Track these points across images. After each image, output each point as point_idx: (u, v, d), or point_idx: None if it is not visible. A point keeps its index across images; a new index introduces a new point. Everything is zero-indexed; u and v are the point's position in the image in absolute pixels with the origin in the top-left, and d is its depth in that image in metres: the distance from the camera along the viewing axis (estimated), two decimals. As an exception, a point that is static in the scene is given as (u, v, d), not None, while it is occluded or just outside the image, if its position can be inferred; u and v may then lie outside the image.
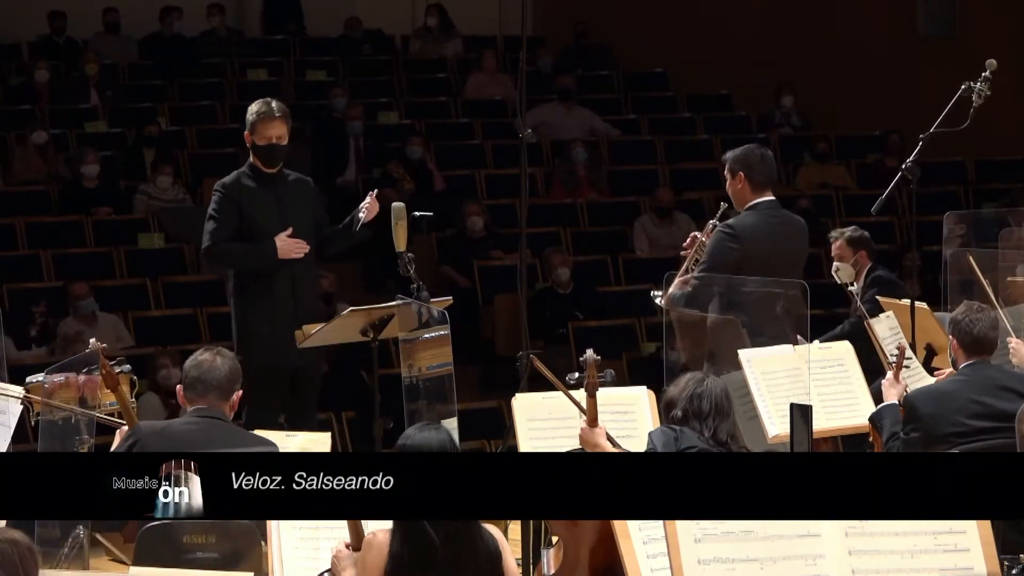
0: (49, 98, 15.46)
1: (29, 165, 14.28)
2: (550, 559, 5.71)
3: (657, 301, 8.41)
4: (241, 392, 6.33)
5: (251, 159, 8.53)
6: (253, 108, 8.45)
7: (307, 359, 8.34)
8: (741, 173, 8.19)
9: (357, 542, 5.16)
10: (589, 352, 6.15)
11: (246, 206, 8.44)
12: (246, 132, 8.48)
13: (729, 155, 8.32)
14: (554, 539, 7.71)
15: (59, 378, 6.64)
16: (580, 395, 6.48)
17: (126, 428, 6.57)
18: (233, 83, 16.51)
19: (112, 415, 6.88)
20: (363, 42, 17.44)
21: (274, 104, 8.46)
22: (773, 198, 8.27)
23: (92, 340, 6.76)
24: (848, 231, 9.85)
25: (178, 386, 6.37)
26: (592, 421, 6.32)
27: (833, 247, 9.76)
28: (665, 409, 6.20)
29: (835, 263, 9.41)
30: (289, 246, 8.37)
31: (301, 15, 17.91)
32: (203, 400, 6.23)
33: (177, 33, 16.79)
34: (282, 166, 8.53)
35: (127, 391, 6.75)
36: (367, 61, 17.19)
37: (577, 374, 6.42)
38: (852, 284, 9.20)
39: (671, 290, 8.32)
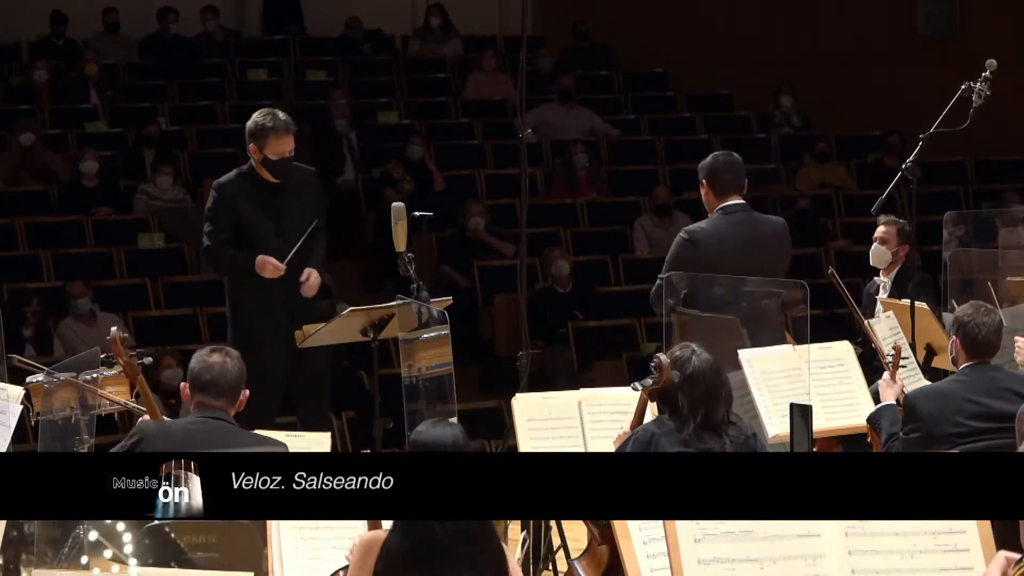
0: (49, 98, 15.46)
1: (9, 166, 14.25)
2: (584, 568, 5.62)
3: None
4: (248, 391, 6.30)
5: (254, 165, 8.47)
6: (262, 120, 8.36)
7: (308, 359, 8.34)
8: (704, 180, 8.22)
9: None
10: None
11: (241, 208, 8.42)
12: (252, 144, 8.39)
13: (700, 166, 8.32)
14: (549, 546, 7.71)
15: (59, 378, 6.63)
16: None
17: (147, 418, 6.56)
18: (233, 83, 16.51)
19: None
20: (363, 42, 17.44)
21: (282, 116, 8.40)
22: (739, 202, 8.18)
23: (113, 328, 6.75)
24: (903, 222, 9.58)
25: (183, 384, 6.33)
26: None
27: (881, 229, 9.36)
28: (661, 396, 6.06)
29: (876, 244, 9.32)
30: (268, 266, 8.35)
31: (301, 15, 17.91)
32: (214, 403, 6.15)
33: (177, 33, 16.79)
34: None
35: (144, 381, 6.71)
36: (367, 61, 17.19)
37: None
38: (879, 274, 9.21)
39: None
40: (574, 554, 7.67)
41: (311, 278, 8.47)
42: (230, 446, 5.91)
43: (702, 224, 8.23)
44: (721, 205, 8.18)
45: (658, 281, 8.16)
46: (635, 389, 6.18)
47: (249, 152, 8.46)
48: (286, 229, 8.45)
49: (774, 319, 7.78)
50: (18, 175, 14.20)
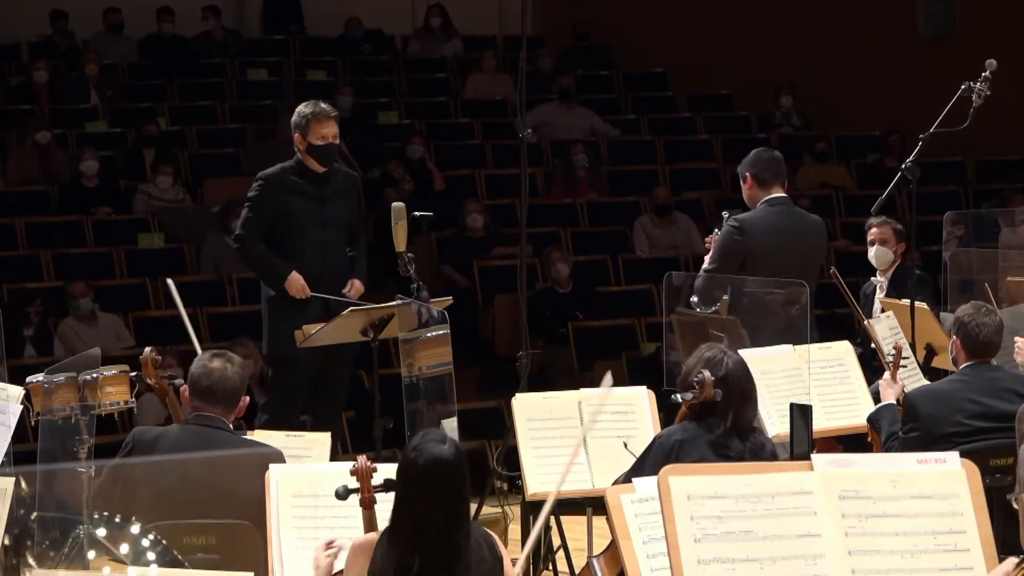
0: (49, 98, 15.45)
1: (23, 165, 14.25)
2: (602, 567, 5.57)
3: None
4: (248, 398, 6.29)
5: (300, 157, 8.55)
6: (304, 110, 8.52)
7: (334, 358, 8.37)
8: (748, 174, 8.42)
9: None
10: None
11: (286, 199, 8.51)
12: (296, 135, 8.50)
13: (742, 163, 8.48)
14: (549, 546, 7.71)
15: (59, 378, 6.63)
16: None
17: None
18: (233, 83, 16.50)
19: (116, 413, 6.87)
20: (363, 42, 17.44)
21: (324, 104, 8.58)
22: (783, 195, 8.43)
23: (147, 349, 6.73)
24: (893, 220, 9.59)
25: (183, 388, 6.31)
26: None
27: (876, 230, 9.41)
28: (682, 386, 6.00)
29: (876, 245, 9.33)
30: (298, 286, 8.42)
31: (301, 15, 17.91)
32: (211, 409, 6.12)
33: (177, 33, 16.78)
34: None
35: (176, 399, 6.70)
36: (367, 61, 17.19)
37: None
38: (876, 273, 9.21)
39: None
40: (574, 554, 7.69)
41: (353, 288, 8.55)
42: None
43: (748, 214, 8.36)
44: (766, 198, 8.35)
45: (702, 272, 8.26)
46: (674, 400, 6.10)
47: (295, 145, 8.56)
48: (329, 217, 8.53)
49: (776, 318, 7.79)
50: (28, 174, 14.21)
